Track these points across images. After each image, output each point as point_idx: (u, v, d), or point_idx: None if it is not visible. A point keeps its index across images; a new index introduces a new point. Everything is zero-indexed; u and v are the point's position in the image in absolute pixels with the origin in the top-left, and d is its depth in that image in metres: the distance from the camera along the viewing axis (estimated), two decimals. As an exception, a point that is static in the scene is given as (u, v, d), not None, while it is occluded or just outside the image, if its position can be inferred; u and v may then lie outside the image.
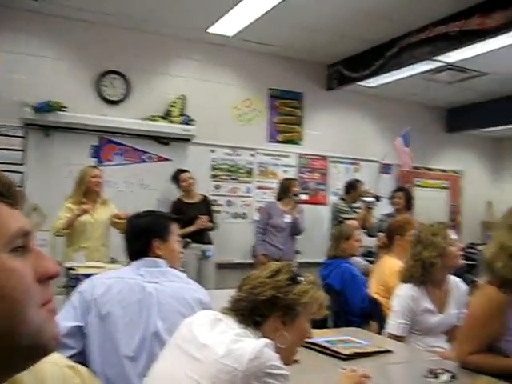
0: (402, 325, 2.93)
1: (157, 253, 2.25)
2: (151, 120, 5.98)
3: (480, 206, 8.87)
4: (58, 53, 5.76)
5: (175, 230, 2.39)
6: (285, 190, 5.93)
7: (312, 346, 2.50)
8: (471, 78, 6.79)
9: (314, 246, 6.39)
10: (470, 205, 8.79)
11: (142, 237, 2.27)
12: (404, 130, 7.00)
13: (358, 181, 6.39)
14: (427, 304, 2.96)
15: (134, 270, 2.18)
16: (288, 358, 1.64)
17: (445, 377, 2.13)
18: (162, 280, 2.15)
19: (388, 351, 2.53)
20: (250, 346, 1.45)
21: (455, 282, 3.13)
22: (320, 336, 2.65)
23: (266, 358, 1.43)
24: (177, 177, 5.73)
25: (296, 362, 2.22)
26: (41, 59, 5.66)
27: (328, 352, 2.44)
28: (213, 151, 6.47)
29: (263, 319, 1.59)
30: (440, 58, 5.88)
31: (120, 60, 5.96)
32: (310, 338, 1.74)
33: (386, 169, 7.64)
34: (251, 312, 1.59)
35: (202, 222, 5.53)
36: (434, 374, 2.17)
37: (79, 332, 2.00)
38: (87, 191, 4.76)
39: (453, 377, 2.14)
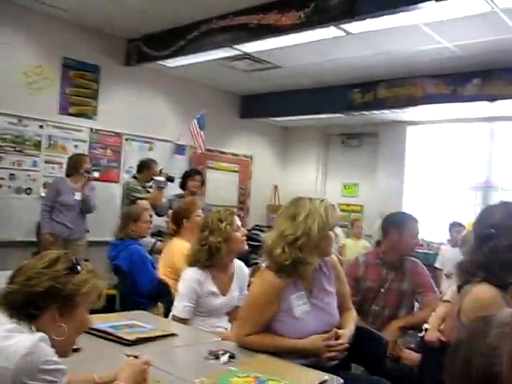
0: (187, 307, 3.00)
1: None
2: None
3: (267, 189, 9.43)
4: None
5: None
6: (75, 166, 5.65)
7: (96, 333, 2.43)
8: (266, 69, 7.13)
9: (104, 224, 6.19)
10: (257, 188, 9.29)
11: None
12: (199, 113, 7.12)
13: (151, 160, 6.35)
14: (211, 287, 3.07)
15: None
16: (66, 350, 1.58)
17: (225, 357, 2.23)
18: None
19: (172, 334, 2.57)
20: (23, 342, 1.36)
21: (239, 266, 3.29)
22: (105, 321, 2.59)
23: (40, 353, 1.36)
24: None
25: (77, 350, 2.15)
26: None
27: (112, 338, 2.40)
28: (-8, 119, 5.90)
29: (39, 312, 1.50)
30: (238, 46, 6.05)
31: None
32: (89, 326, 1.68)
33: (179, 149, 7.71)
34: (25, 305, 1.48)
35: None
36: (215, 355, 2.26)
37: None
38: None
39: (231, 357, 2.25)
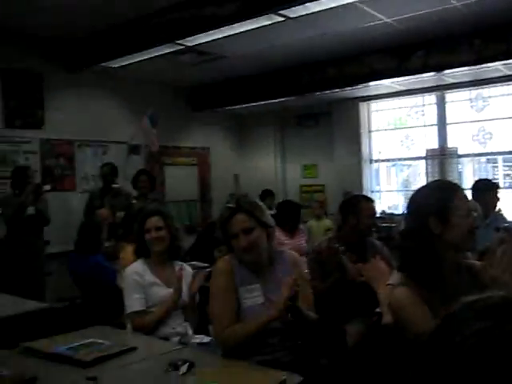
0: (137, 299, 3.05)
1: None
2: None
3: (228, 179, 9.40)
4: None
5: None
6: (19, 180, 5.49)
7: (53, 358, 2.41)
8: (211, 60, 7.06)
9: (64, 233, 6.12)
10: (218, 179, 9.25)
11: None
12: (149, 111, 7.04)
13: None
14: (152, 278, 3.14)
15: None
16: None
17: (184, 367, 2.22)
18: None
19: (132, 348, 2.54)
20: None
21: (181, 265, 3.34)
22: (62, 343, 2.56)
23: None
24: None
25: (34, 380, 2.14)
26: None
27: (70, 362, 2.36)
28: None
29: None
30: (181, 41, 6.00)
31: None
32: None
33: (134, 150, 7.62)
34: None
35: None
36: (175, 366, 2.24)
37: None
38: None
39: (191, 366, 2.24)
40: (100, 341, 2.62)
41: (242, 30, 5.67)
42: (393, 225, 7.42)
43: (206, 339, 3.00)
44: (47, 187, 5.72)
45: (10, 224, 5.42)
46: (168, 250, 3.25)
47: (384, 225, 7.53)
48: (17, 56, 6.35)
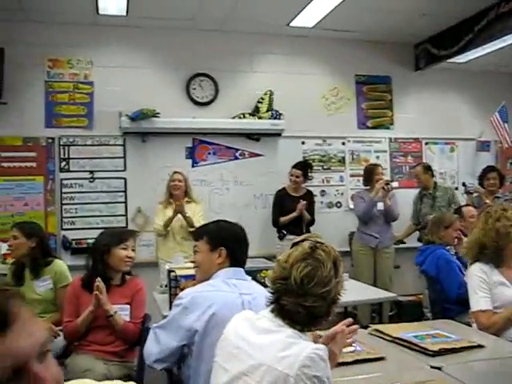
0: (482, 298, 2.94)
1: None
2: (240, 118, 6.15)
3: None
4: (148, 62, 6.07)
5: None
6: (369, 177, 5.86)
7: (399, 342, 2.55)
8: None
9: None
10: None
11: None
12: (500, 105, 6.72)
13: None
14: (499, 277, 2.98)
15: None
16: None
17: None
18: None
19: (479, 346, 2.48)
20: (301, 352, 1.53)
21: None
22: (409, 330, 2.69)
23: (314, 367, 1.51)
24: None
25: (382, 359, 2.32)
26: (133, 70, 5.98)
27: (415, 348, 2.47)
28: (303, 143, 6.54)
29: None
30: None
31: (206, 62, 6.18)
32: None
33: (483, 146, 7.34)
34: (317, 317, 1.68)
35: (301, 205, 5.61)
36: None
37: None
38: (171, 194, 5.24)
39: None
40: (446, 333, 2.66)
41: None
42: None
43: None
44: (395, 184, 5.96)
45: (361, 218, 5.84)
46: None
47: None
48: (368, 62, 6.83)
